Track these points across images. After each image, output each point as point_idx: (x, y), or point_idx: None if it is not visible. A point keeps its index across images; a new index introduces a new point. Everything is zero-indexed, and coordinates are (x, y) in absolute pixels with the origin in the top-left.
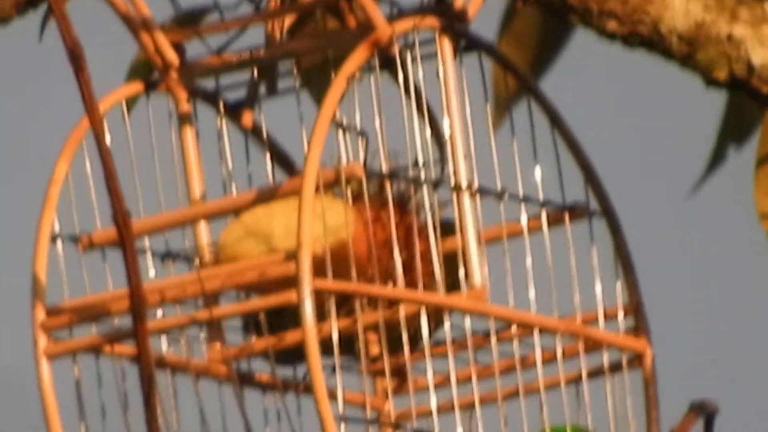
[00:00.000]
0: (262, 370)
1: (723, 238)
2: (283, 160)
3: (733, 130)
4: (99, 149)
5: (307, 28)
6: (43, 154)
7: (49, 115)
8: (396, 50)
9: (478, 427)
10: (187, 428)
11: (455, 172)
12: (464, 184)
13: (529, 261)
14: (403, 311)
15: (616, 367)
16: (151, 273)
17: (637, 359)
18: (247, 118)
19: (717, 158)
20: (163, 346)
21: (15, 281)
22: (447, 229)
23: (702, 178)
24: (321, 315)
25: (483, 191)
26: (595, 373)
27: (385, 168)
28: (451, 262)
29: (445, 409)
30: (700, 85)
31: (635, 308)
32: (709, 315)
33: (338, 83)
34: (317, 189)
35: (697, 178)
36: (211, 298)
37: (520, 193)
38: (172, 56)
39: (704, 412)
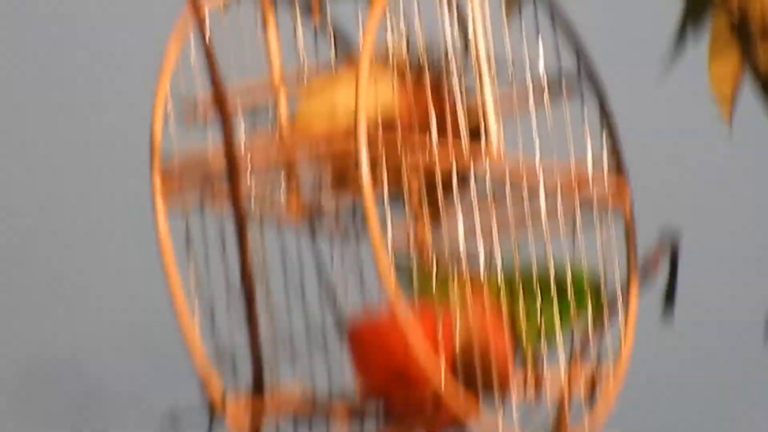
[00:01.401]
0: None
1: (685, 109)
2: (345, 50)
3: (691, 21)
4: (200, 33)
5: None
6: (158, 40)
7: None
8: None
9: (497, 247)
10: (271, 268)
11: (476, 51)
12: (483, 56)
13: (534, 119)
14: (437, 153)
15: (602, 199)
16: (243, 137)
17: (618, 197)
18: (316, 14)
19: (679, 40)
20: (251, 203)
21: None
22: (470, 99)
23: (671, 55)
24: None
25: (498, 62)
26: (586, 202)
27: (421, 46)
28: (474, 125)
29: (470, 234)
30: None
31: (616, 152)
32: (672, 154)
33: None
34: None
35: (664, 59)
36: (291, 159)
37: (527, 63)
38: None
39: (671, 241)
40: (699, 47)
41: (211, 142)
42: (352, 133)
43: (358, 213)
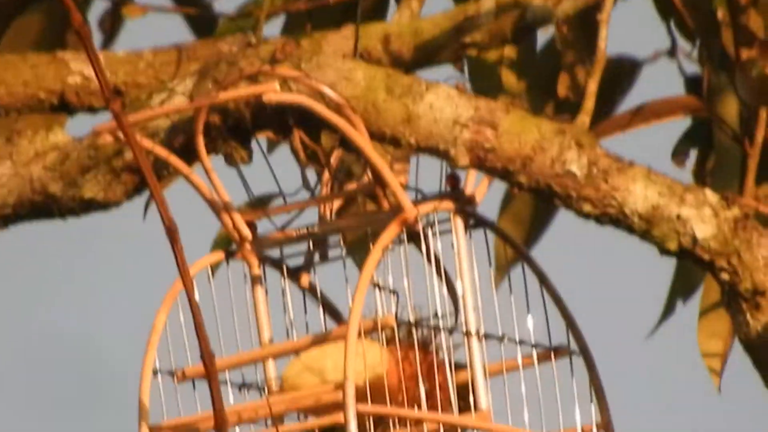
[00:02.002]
0: None
1: (675, 371)
2: (333, 312)
3: (681, 288)
4: (190, 304)
5: (351, 210)
6: (148, 307)
7: (150, 277)
8: (420, 227)
9: None
10: None
11: (466, 321)
12: (473, 330)
13: (523, 389)
14: (426, 428)
15: None
16: (231, 399)
17: None
18: (305, 280)
19: (669, 309)
20: None
21: (126, 408)
22: (459, 365)
23: (657, 323)
24: (362, 431)
25: (488, 336)
26: None
27: (411, 318)
28: (463, 391)
29: None
30: (655, 253)
31: (606, 426)
32: (663, 423)
33: (375, 253)
34: (359, 334)
35: (653, 324)
36: (278, 419)
37: (517, 337)
38: (246, 232)
39: None
40: (689, 313)
41: (200, 406)
42: (340, 387)
43: None
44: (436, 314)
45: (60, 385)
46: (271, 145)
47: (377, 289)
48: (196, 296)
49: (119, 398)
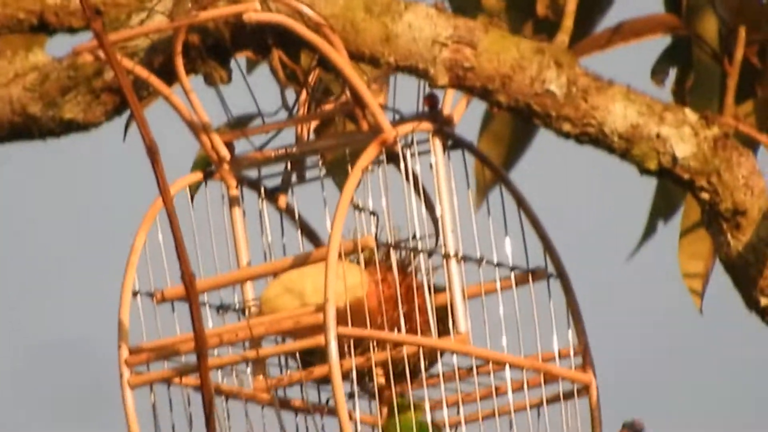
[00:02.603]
0: (296, 396)
1: (655, 292)
2: (311, 234)
3: (662, 208)
4: (170, 224)
5: (329, 130)
6: (126, 227)
7: (130, 196)
8: (399, 148)
9: None
10: None
11: (445, 243)
12: (452, 252)
13: (501, 312)
14: (405, 351)
15: (568, 395)
16: (210, 322)
17: (584, 389)
18: (283, 201)
19: (650, 230)
20: (219, 378)
21: (105, 325)
22: (438, 287)
23: (638, 245)
24: (342, 354)
25: (466, 258)
26: (553, 400)
27: (391, 240)
28: (442, 313)
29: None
30: (635, 173)
31: (583, 349)
32: (643, 352)
33: (354, 174)
34: (339, 256)
35: (634, 245)
36: (257, 341)
37: (495, 259)
38: (224, 152)
39: (634, 429)
40: (669, 234)
41: (180, 328)
42: (321, 309)
43: (324, 388)
44: (415, 236)
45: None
46: (251, 65)
47: (356, 211)
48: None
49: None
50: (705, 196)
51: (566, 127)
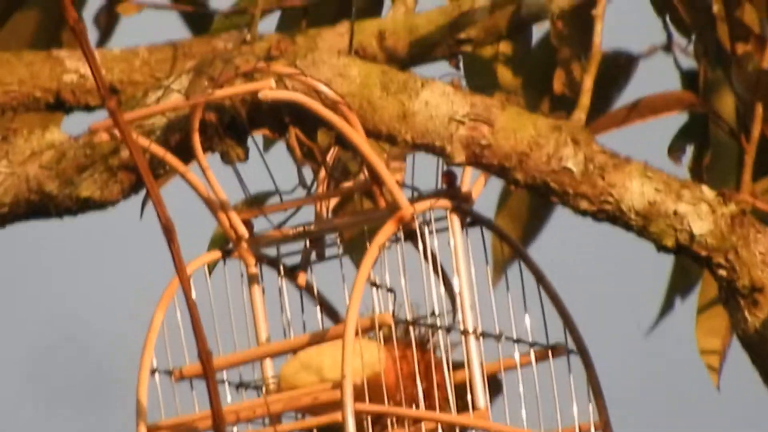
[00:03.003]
0: None
1: (672, 368)
2: (330, 311)
3: (679, 284)
4: (187, 302)
5: (347, 208)
6: (144, 306)
7: (147, 276)
8: (417, 225)
9: None
10: None
11: (463, 320)
12: (470, 328)
13: (521, 388)
14: (424, 427)
15: None
16: (228, 398)
17: None
18: (302, 278)
19: (667, 306)
20: None
21: (125, 408)
22: (457, 364)
23: (656, 321)
24: (360, 430)
25: (485, 334)
26: None
27: (409, 316)
28: (461, 390)
29: None
30: (653, 250)
31: (604, 425)
32: (663, 429)
33: (372, 251)
34: (356, 333)
35: (651, 322)
36: (275, 418)
37: (514, 335)
38: (242, 230)
39: None
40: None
41: (198, 405)
42: (338, 386)
43: None
44: (433, 313)
45: (59, 385)
46: (267, 143)
47: (374, 288)
48: (193, 295)
49: (118, 398)
50: (722, 273)
51: (583, 204)
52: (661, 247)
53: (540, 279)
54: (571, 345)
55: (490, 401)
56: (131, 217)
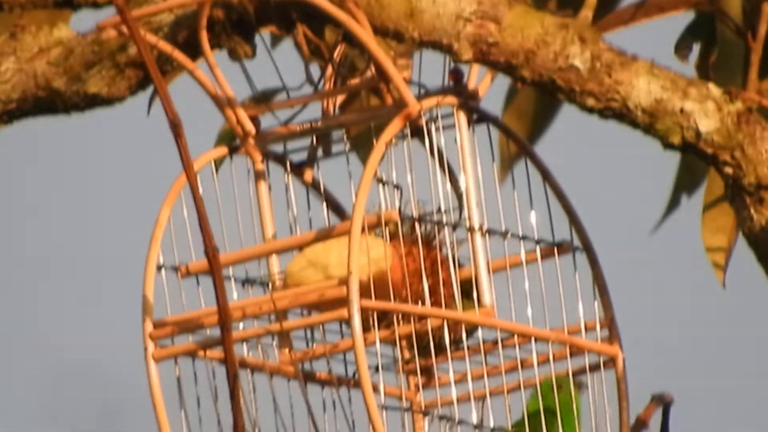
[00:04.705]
0: (321, 369)
1: (678, 265)
2: (336, 208)
3: (685, 182)
4: (194, 198)
5: (354, 105)
6: (151, 201)
7: (154, 171)
8: (423, 122)
9: (489, 413)
10: (262, 416)
11: (469, 217)
12: (476, 225)
13: (527, 285)
14: (429, 324)
15: (595, 368)
16: (235, 295)
17: (611, 361)
18: (308, 175)
19: (673, 204)
20: (244, 351)
21: (129, 301)
22: (463, 261)
23: (661, 219)
24: (366, 327)
25: (491, 231)
26: (579, 372)
27: (415, 213)
28: (467, 286)
29: (463, 399)
30: (659, 147)
31: (609, 322)
32: (667, 326)
33: (379, 148)
34: (363, 230)
35: (658, 219)
36: (281, 314)
37: (520, 232)
38: (249, 127)
39: (662, 402)
40: (693, 208)
41: (204, 301)
42: (344, 282)
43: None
44: (439, 209)
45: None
46: (275, 40)
47: (381, 185)
48: (200, 191)
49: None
50: (728, 170)
51: (590, 102)
52: (668, 145)
53: (546, 176)
54: (577, 242)
55: None
56: (139, 113)
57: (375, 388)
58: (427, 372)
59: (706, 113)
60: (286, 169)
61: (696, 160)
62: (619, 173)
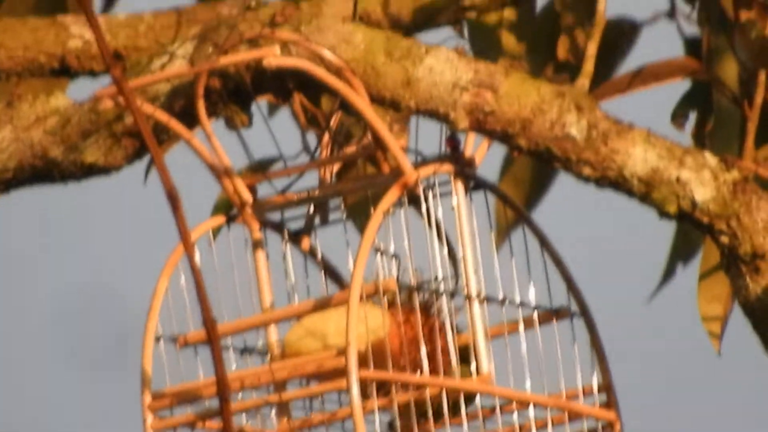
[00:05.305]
0: None
1: (674, 334)
2: (334, 276)
3: (681, 251)
4: (191, 269)
5: (351, 173)
6: (148, 273)
7: (151, 242)
8: (420, 190)
9: None
10: None
11: (467, 284)
12: (474, 293)
13: (525, 352)
14: (428, 392)
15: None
16: (233, 365)
17: (609, 426)
18: (306, 243)
19: (669, 272)
20: (243, 421)
21: (129, 372)
22: (461, 328)
23: (657, 287)
24: (364, 394)
25: (489, 298)
26: None
27: (413, 282)
28: (465, 354)
29: None
30: (655, 216)
31: (607, 387)
32: (662, 392)
33: (376, 216)
34: (361, 299)
35: (653, 288)
36: (280, 385)
37: (518, 299)
38: (247, 196)
39: None
40: (689, 276)
41: (203, 372)
42: (343, 353)
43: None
44: (437, 277)
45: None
46: (272, 109)
47: (378, 253)
48: (198, 261)
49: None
50: (724, 239)
51: (586, 171)
52: (664, 214)
53: (543, 243)
54: (575, 308)
55: None
56: (135, 183)
57: None
58: None
59: (702, 182)
60: (283, 237)
61: (692, 229)
62: (615, 240)
